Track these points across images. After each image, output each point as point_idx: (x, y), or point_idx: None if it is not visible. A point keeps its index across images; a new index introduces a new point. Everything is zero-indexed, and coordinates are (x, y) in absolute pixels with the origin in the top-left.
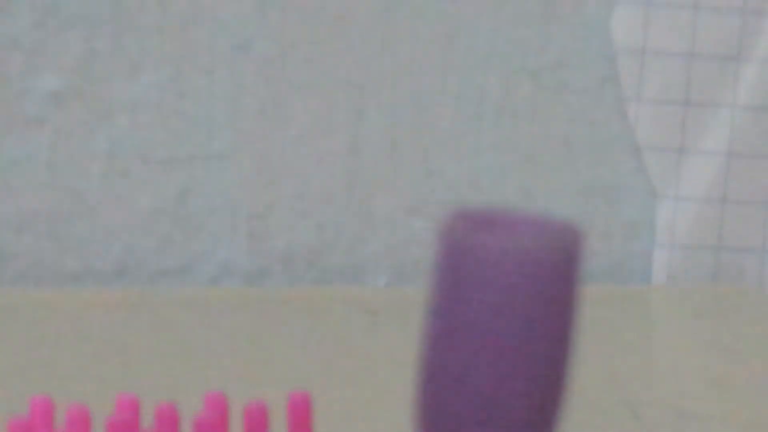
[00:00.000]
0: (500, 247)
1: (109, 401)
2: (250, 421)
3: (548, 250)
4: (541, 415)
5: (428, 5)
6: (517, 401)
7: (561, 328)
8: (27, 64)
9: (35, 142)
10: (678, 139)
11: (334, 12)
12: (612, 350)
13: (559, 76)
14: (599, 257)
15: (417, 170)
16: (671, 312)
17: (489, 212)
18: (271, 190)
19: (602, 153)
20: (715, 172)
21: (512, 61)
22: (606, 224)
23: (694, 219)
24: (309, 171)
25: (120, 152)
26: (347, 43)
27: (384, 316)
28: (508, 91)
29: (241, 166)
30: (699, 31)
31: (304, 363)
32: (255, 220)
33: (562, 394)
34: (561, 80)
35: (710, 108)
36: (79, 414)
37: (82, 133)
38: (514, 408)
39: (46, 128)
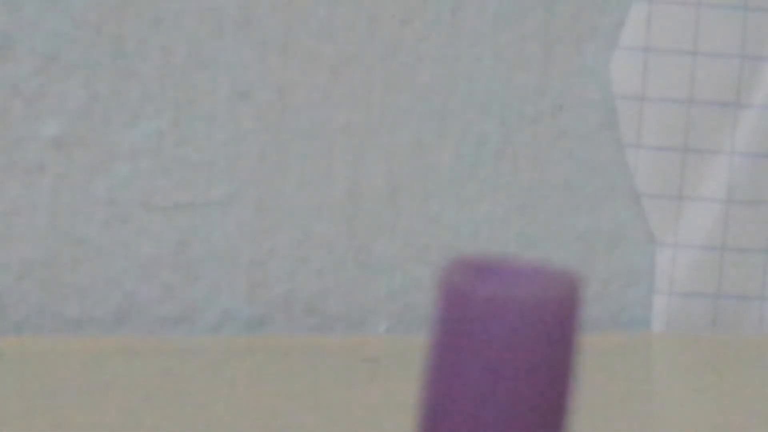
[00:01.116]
0: (499, 296)
1: None
2: None
3: (548, 299)
4: None
5: (428, 52)
6: None
7: (561, 375)
8: (27, 110)
9: (36, 189)
10: (677, 186)
11: (333, 58)
12: (611, 398)
13: (558, 122)
14: (598, 304)
15: (417, 216)
16: (671, 360)
17: (488, 260)
18: (270, 237)
19: (601, 199)
20: (715, 218)
21: (511, 107)
22: (605, 271)
23: (694, 266)
24: (308, 217)
25: (120, 199)
26: (347, 90)
27: (384, 363)
28: (507, 136)
29: (240, 213)
30: (698, 77)
31: (304, 410)
32: (255, 267)
33: None
34: (560, 126)
35: (709, 154)
36: None
37: (83, 179)
38: None
39: (46, 174)
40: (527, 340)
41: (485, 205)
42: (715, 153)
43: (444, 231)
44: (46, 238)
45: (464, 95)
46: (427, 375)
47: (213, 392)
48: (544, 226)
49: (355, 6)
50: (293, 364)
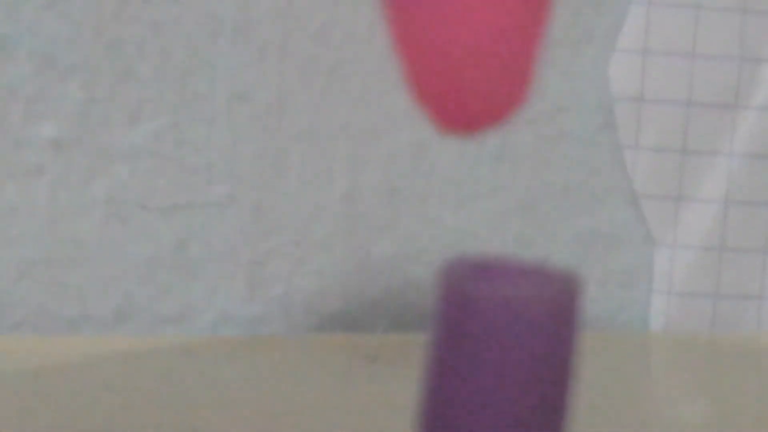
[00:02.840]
0: (500, 296)
1: None
2: None
3: (548, 299)
4: None
5: None
6: None
7: (561, 375)
8: (26, 113)
9: (34, 190)
10: (676, 187)
11: (332, 60)
12: (609, 398)
13: (557, 124)
14: (596, 304)
15: (415, 217)
16: (669, 360)
17: (488, 261)
18: (269, 238)
19: (600, 200)
20: (713, 219)
21: None
22: (603, 271)
23: (692, 266)
24: (307, 218)
25: (119, 200)
26: (345, 91)
27: (383, 362)
28: (505, 138)
29: (239, 214)
30: (696, 79)
31: (302, 410)
32: (254, 268)
33: None
34: (559, 128)
35: (708, 156)
36: None
37: (81, 180)
38: None
39: (45, 176)
40: (527, 339)
41: (484, 206)
42: (714, 154)
43: (442, 232)
44: (44, 238)
45: None
46: (427, 374)
47: (211, 392)
48: (542, 227)
49: (353, 9)
50: (292, 364)
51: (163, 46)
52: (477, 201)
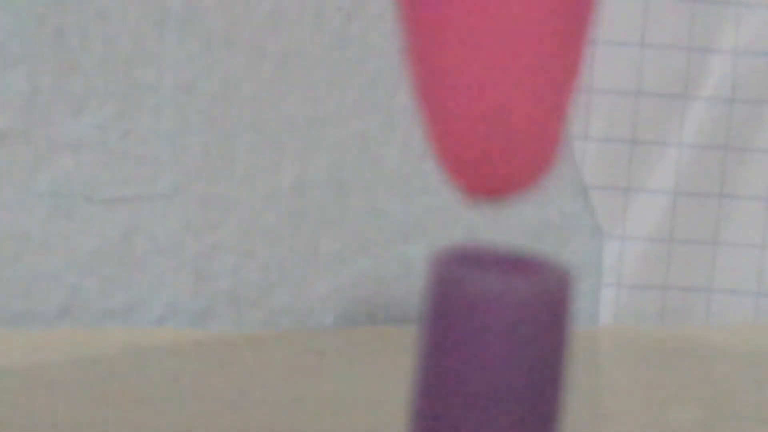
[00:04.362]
0: (491, 288)
1: None
2: None
3: (541, 290)
4: None
5: (375, 44)
6: None
7: (553, 368)
8: None
9: None
10: (625, 178)
11: (279, 51)
12: None
13: None
14: None
15: (363, 210)
16: (619, 352)
17: (479, 250)
18: (216, 230)
19: (548, 192)
20: (662, 211)
21: None
22: None
23: (641, 258)
24: (254, 211)
25: (63, 192)
26: (293, 82)
27: (331, 356)
28: None
29: (185, 206)
30: (645, 68)
31: (250, 404)
32: (200, 261)
33: None
34: None
35: (657, 146)
36: None
37: (25, 172)
38: None
39: None
40: (520, 332)
41: (432, 198)
42: (663, 145)
43: (390, 224)
44: None
45: (410, 88)
46: (418, 366)
47: (157, 386)
48: (491, 219)
49: None
50: (239, 358)
51: (107, 36)
52: (425, 193)
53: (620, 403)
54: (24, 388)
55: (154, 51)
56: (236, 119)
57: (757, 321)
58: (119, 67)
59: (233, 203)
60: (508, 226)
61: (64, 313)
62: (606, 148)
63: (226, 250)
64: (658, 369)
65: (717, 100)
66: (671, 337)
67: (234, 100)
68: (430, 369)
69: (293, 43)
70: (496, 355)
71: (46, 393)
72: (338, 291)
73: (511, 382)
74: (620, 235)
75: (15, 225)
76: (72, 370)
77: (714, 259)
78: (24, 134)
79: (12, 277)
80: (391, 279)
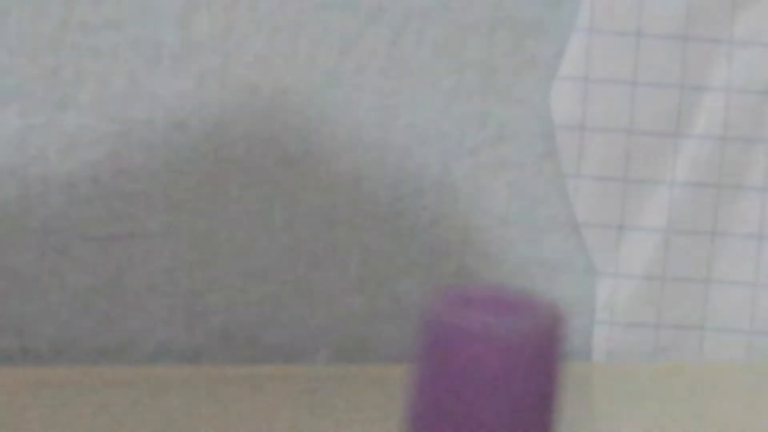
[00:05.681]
0: (485, 329)
1: None
2: None
3: (533, 331)
4: None
5: (367, 82)
6: None
7: (545, 405)
8: None
9: None
10: (617, 216)
11: (271, 88)
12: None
13: (498, 152)
14: None
15: (355, 248)
16: (611, 390)
17: (472, 292)
18: (208, 268)
19: (541, 230)
20: (655, 248)
21: (450, 138)
22: None
23: (634, 296)
24: (247, 248)
25: (56, 229)
26: (285, 120)
27: (324, 394)
28: (446, 167)
29: (178, 244)
30: (638, 106)
31: None
32: (193, 298)
33: None
34: (500, 156)
35: (649, 184)
36: None
37: (18, 209)
38: None
39: None
40: (512, 371)
41: (424, 237)
42: (655, 183)
43: (382, 263)
44: None
45: (403, 126)
46: (410, 403)
47: (150, 424)
48: (484, 257)
49: (294, 36)
50: (232, 396)
51: (101, 73)
52: (418, 232)
53: None
54: (16, 427)
55: (147, 88)
56: (229, 157)
57: (750, 358)
58: (112, 105)
59: (226, 241)
60: (501, 264)
61: (57, 351)
62: (598, 186)
63: (219, 287)
64: (651, 406)
65: (709, 137)
66: (664, 375)
67: (226, 137)
68: (423, 407)
69: (286, 80)
70: (488, 394)
71: (36, 431)
72: (331, 329)
73: (503, 419)
74: (613, 273)
75: (7, 262)
76: (64, 408)
77: (706, 296)
78: (17, 171)
79: (4, 315)
80: (384, 317)
